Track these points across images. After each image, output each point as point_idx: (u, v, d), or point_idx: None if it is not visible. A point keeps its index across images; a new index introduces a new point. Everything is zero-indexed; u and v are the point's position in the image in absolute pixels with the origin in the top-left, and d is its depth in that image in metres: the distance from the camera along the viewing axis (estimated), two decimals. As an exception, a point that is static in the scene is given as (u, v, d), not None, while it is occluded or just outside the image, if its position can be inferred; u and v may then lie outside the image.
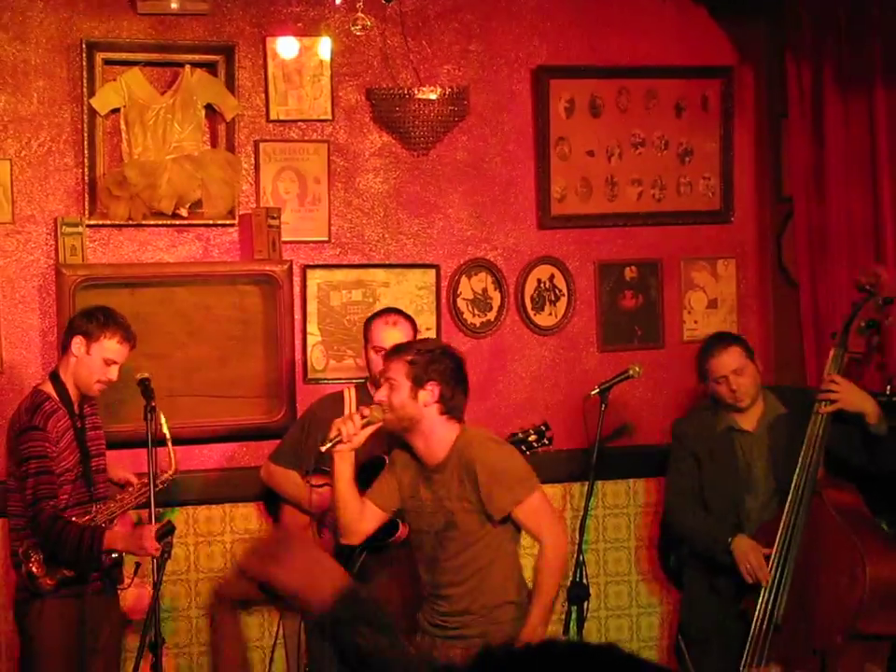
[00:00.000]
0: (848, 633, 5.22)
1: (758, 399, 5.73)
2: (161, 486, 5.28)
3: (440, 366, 4.82)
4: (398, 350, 4.92)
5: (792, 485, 5.39)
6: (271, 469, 5.81)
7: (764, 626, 5.37)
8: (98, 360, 5.27)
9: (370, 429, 4.80)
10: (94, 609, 5.28)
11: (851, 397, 5.43)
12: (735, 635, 5.48)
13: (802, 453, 5.40)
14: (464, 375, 4.91)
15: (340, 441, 4.77)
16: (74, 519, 5.20)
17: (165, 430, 5.24)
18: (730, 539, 5.50)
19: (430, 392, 4.78)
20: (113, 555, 5.22)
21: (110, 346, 5.27)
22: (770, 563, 5.40)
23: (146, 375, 5.30)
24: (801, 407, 5.62)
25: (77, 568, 5.21)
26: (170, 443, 5.29)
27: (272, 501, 5.98)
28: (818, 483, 5.41)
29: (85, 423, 5.38)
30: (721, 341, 5.85)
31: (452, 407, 4.82)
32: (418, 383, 4.78)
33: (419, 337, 5.71)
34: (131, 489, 5.40)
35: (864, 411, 5.42)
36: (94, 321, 5.28)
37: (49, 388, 5.30)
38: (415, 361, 4.79)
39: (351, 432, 4.77)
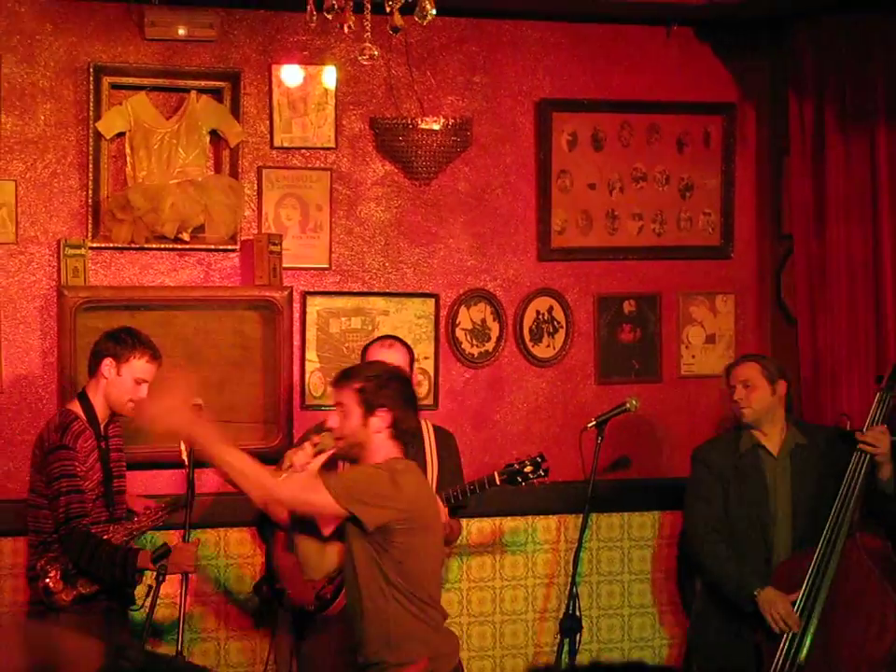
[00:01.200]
0: None
1: (774, 422, 5.68)
2: (177, 505, 5.41)
3: (389, 391, 4.67)
4: (346, 376, 4.74)
5: (827, 525, 5.36)
6: None
7: (786, 667, 5.35)
8: (129, 381, 5.34)
9: (322, 457, 4.73)
10: (105, 627, 5.31)
11: (882, 449, 5.43)
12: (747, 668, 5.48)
13: (840, 493, 5.38)
14: (414, 397, 4.78)
15: (293, 469, 4.73)
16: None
17: (186, 461, 5.32)
18: (756, 592, 5.45)
19: (381, 418, 4.66)
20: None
21: (140, 366, 5.35)
22: (797, 605, 5.36)
23: (199, 401, 5.33)
24: (819, 440, 5.65)
25: (109, 585, 5.28)
26: (190, 473, 5.34)
27: (266, 527, 5.98)
28: (853, 526, 5.38)
29: (109, 444, 5.45)
30: (745, 355, 5.92)
31: (403, 431, 4.74)
32: (369, 409, 4.66)
33: (415, 365, 5.70)
34: (148, 511, 5.44)
35: (883, 465, 5.43)
36: (122, 343, 5.35)
37: (77, 408, 5.36)
38: (364, 388, 4.65)
39: (303, 461, 4.72)
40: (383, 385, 4.69)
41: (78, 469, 5.23)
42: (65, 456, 5.23)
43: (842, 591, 5.33)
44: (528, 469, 5.52)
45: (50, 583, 5.23)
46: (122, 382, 5.33)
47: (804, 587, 5.35)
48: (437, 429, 5.72)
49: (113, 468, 5.44)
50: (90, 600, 5.28)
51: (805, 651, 5.32)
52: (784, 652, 5.36)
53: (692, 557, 6.04)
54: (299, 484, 4.64)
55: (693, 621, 6.03)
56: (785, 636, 5.35)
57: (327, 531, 4.65)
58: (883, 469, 5.44)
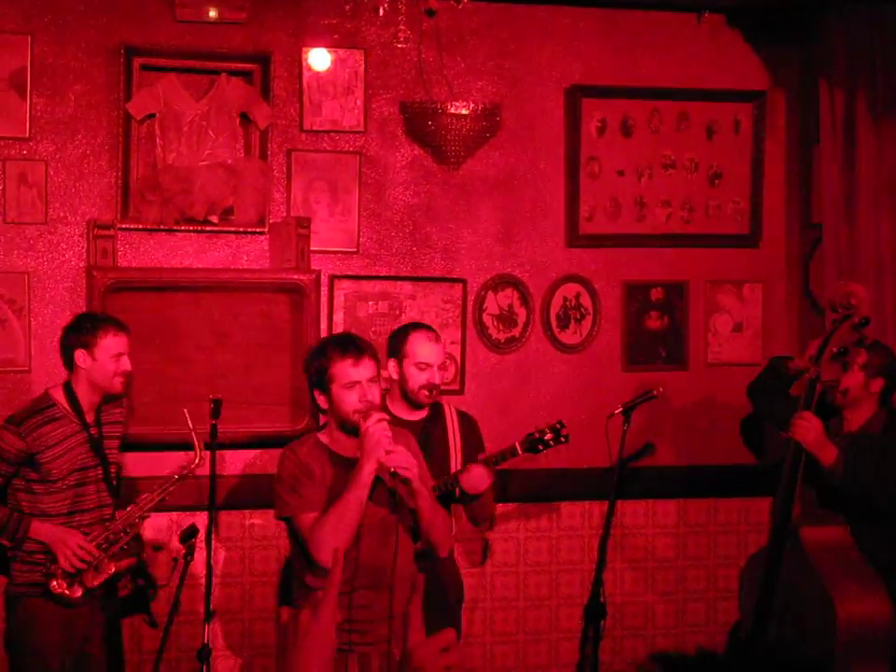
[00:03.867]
0: None
1: (858, 411, 5.57)
2: (184, 475, 5.52)
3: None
4: (371, 348, 4.77)
5: (771, 523, 5.31)
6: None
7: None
8: (107, 360, 5.41)
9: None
10: (84, 615, 5.41)
11: (809, 437, 5.28)
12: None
13: (776, 495, 5.29)
14: None
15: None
16: (74, 528, 5.37)
17: (190, 424, 5.44)
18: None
19: None
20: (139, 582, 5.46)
21: (110, 343, 5.41)
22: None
23: (219, 397, 5.47)
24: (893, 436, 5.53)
25: None
26: (194, 435, 5.46)
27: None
28: (793, 522, 5.27)
29: (102, 430, 5.49)
30: (874, 344, 5.58)
31: None
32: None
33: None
34: (147, 495, 5.48)
35: (818, 457, 5.30)
36: (84, 330, 5.42)
37: (59, 396, 5.43)
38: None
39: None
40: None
41: (9, 456, 5.31)
42: (5, 438, 5.33)
43: (796, 580, 5.23)
44: (549, 436, 5.49)
45: (55, 586, 5.33)
46: (101, 364, 5.40)
47: (761, 577, 5.27)
48: (460, 413, 5.72)
49: (108, 454, 5.51)
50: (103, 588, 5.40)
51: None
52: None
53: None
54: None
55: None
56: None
57: None
58: (820, 458, 5.27)
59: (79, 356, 5.40)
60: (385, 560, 4.64)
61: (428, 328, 5.63)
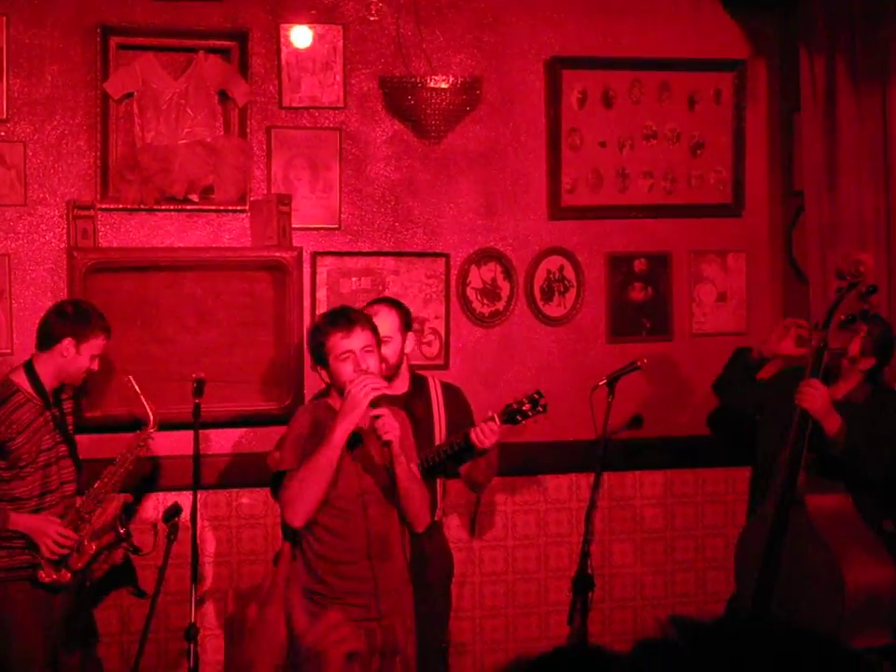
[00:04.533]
0: None
1: (847, 379, 5.55)
2: (142, 444, 5.57)
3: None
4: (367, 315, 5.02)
5: (774, 491, 5.28)
6: (275, 456, 5.81)
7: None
8: (87, 358, 5.44)
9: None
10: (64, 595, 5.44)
11: (817, 404, 5.24)
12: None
13: (786, 455, 5.27)
14: None
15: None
16: (45, 508, 5.39)
17: (137, 389, 5.49)
18: None
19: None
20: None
21: (98, 344, 5.45)
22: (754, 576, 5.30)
23: (201, 376, 5.52)
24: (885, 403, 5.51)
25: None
26: (144, 400, 5.50)
27: (277, 489, 5.99)
28: (798, 490, 5.26)
29: (63, 407, 5.51)
30: (872, 315, 5.47)
31: None
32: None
33: (413, 324, 5.75)
34: (111, 468, 5.50)
35: (823, 424, 5.27)
36: (83, 322, 5.42)
37: (21, 379, 5.42)
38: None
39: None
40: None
41: None
42: None
43: (800, 550, 5.22)
44: (527, 406, 5.46)
45: (44, 576, 5.35)
46: (80, 359, 5.42)
47: (762, 548, 5.26)
48: (444, 385, 5.70)
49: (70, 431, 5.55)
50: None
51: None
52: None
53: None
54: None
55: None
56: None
57: None
58: (825, 426, 5.24)
59: (66, 343, 5.38)
60: (390, 529, 4.72)
61: (379, 302, 5.58)
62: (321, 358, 4.83)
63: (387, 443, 4.66)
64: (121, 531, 5.45)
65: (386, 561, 4.81)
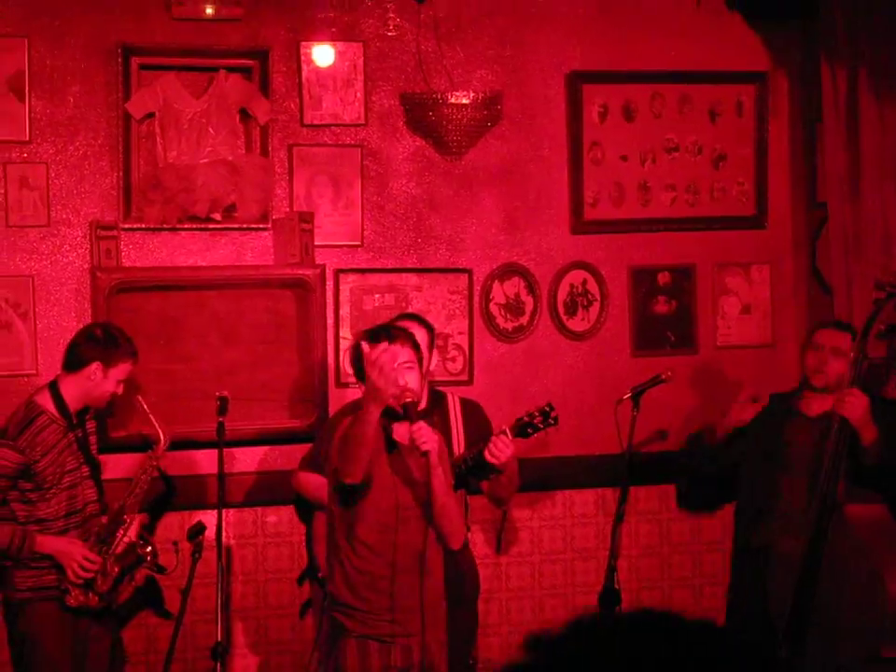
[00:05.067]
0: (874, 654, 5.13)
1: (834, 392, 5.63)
2: (155, 463, 5.53)
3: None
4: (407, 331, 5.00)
5: (814, 500, 5.32)
6: (298, 475, 5.81)
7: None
8: (113, 381, 5.44)
9: None
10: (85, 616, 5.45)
11: (857, 413, 5.31)
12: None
13: (825, 465, 5.31)
14: None
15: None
16: (71, 529, 5.39)
17: (146, 408, 5.49)
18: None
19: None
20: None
21: (125, 369, 5.46)
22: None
23: (225, 394, 5.56)
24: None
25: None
26: (153, 419, 5.49)
27: (303, 508, 5.99)
28: (837, 498, 5.31)
29: (86, 429, 5.52)
30: (841, 323, 5.84)
31: None
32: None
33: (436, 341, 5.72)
34: (127, 487, 5.51)
35: (861, 434, 5.33)
36: (113, 348, 5.42)
37: (45, 400, 5.41)
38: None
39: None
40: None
41: (7, 471, 5.28)
42: (3, 455, 5.30)
43: (839, 559, 5.26)
44: (538, 419, 5.43)
45: (74, 601, 5.36)
46: (107, 384, 5.42)
47: (801, 558, 5.29)
48: (463, 401, 5.69)
49: (94, 452, 5.55)
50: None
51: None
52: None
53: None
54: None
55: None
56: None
57: None
58: (863, 436, 5.33)
59: (94, 367, 5.39)
60: (427, 545, 4.73)
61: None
62: (361, 374, 4.83)
63: (426, 453, 4.66)
64: (140, 552, 5.44)
65: (425, 577, 4.79)
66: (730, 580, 6.10)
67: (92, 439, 5.58)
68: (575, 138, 6.60)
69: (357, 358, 4.87)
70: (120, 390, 5.46)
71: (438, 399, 5.59)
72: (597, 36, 6.65)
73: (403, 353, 4.79)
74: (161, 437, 5.50)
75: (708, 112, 6.80)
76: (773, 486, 5.66)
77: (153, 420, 5.50)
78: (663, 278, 6.77)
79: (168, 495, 6.04)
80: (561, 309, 6.65)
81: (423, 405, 5.51)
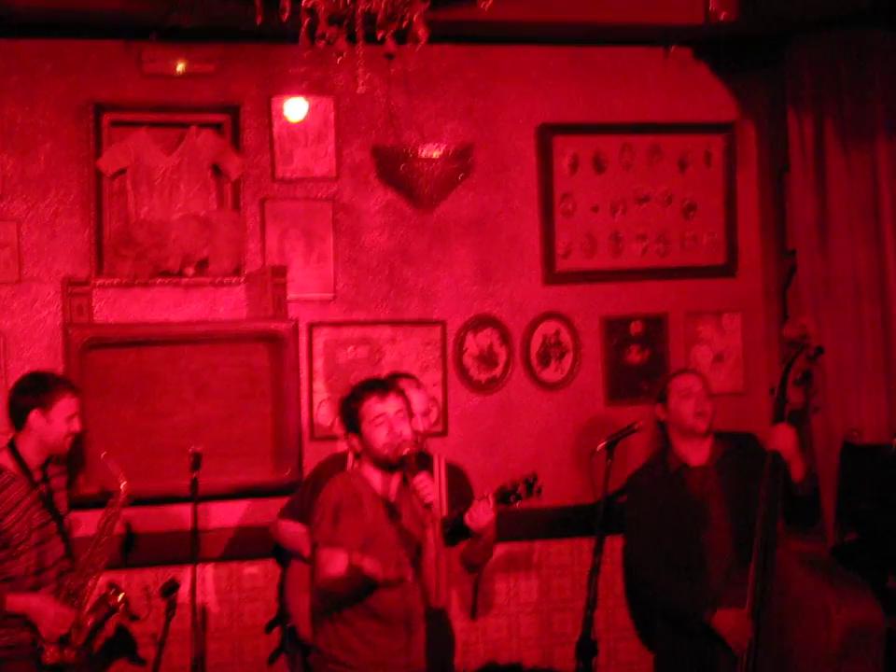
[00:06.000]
0: None
1: (708, 438, 5.85)
2: (115, 511, 5.45)
3: None
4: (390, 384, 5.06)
5: (755, 540, 5.37)
6: (279, 524, 5.80)
7: None
8: (61, 421, 5.38)
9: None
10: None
11: (789, 443, 5.45)
12: None
13: (762, 498, 5.40)
14: None
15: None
16: (42, 586, 5.32)
17: (103, 458, 5.46)
18: (707, 618, 5.50)
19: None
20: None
21: (66, 405, 5.40)
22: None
23: (199, 450, 5.53)
24: (743, 444, 5.81)
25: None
26: (112, 468, 5.44)
27: (280, 555, 5.97)
28: (779, 535, 5.42)
29: (51, 485, 5.45)
30: (687, 369, 6.19)
31: None
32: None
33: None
34: (91, 539, 5.45)
35: (792, 467, 5.45)
36: (42, 391, 5.39)
37: (5, 459, 5.39)
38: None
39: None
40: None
41: None
42: None
43: (785, 598, 5.35)
44: (521, 489, 5.47)
45: (50, 658, 5.30)
46: (54, 425, 5.38)
47: (748, 605, 5.35)
48: (449, 466, 5.71)
49: (59, 508, 5.47)
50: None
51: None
52: (746, 667, 5.37)
53: (639, 586, 6.17)
54: None
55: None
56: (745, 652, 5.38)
57: None
58: (794, 468, 5.46)
59: (34, 416, 5.36)
60: (417, 601, 4.82)
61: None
62: (354, 424, 4.84)
63: (429, 506, 4.68)
64: (112, 602, 5.40)
65: (414, 633, 4.80)
66: (659, 646, 6.05)
67: (61, 494, 5.53)
68: (546, 189, 6.64)
69: (346, 411, 4.87)
70: (76, 427, 5.41)
71: (424, 460, 5.59)
72: (567, 88, 6.71)
73: (397, 402, 4.83)
74: (121, 486, 5.46)
75: (678, 162, 6.85)
76: (698, 544, 5.70)
77: (112, 469, 5.45)
78: (635, 327, 6.80)
79: (128, 551, 6.00)
80: (534, 359, 6.66)
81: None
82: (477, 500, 5.36)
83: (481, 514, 5.29)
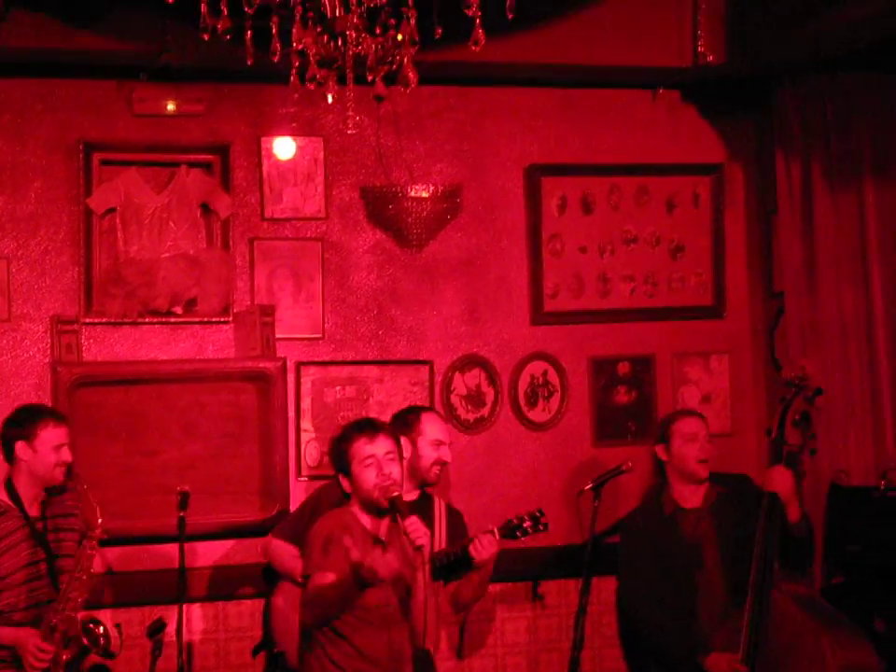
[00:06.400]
0: None
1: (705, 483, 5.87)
2: (94, 545, 5.38)
3: None
4: (385, 425, 5.08)
5: (750, 582, 5.37)
6: (271, 543, 5.77)
7: None
8: (48, 451, 5.34)
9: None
10: None
11: (787, 485, 5.47)
12: None
13: (759, 541, 5.41)
14: None
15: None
16: (30, 622, 5.28)
17: (85, 490, 5.40)
18: (701, 660, 5.50)
19: None
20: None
21: (51, 434, 5.36)
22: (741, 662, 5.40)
23: (186, 489, 5.48)
24: (737, 486, 5.82)
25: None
26: (91, 504, 5.38)
27: (268, 578, 5.94)
28: (774, 577, 5.41)
29: (47, 524, 5.41)
30: (690, 410, 6.17)
31: None
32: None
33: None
34: (67, 576, 5.40)
35: (789, 509, 5.49)
36: (25, 422, 5.37)
37: (1, 495, 5.37)
38: None
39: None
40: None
41: None
42: None
43: (780, 641, 5.34)
44: (527, 524, 5.52)
45: None
46: (42, 456, 5.34)
47: (742, 648, 5.35)
48: (449, 508, 5.74)
49: (54, 547, 5.40)
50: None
51: None
52: None
53: (633, 627, 6.13)
54: None
55: None
56: None
57: None
58: (790, 510, 5.49)
59: (20, 448, 5.35)
60: (405, 642, 4.83)
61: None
62: (343, 466, 4.85)
63: (420, 548, 4.68)
64: (88, 639, 5.37)
65: None
66: None
67: (67, 535, 5.46)
68: (534, 230, 6.66)
69: (336, 452, 4.89)
70: (66, 457, 5.36)
71: (426, 500, 5.61)
72: (556, 130, 6.74)
73: (386, 443, 4.83)
74: (98, 521, 5.43)
75: (666, 203, 6.88)
76: (691, 587, 5.71)
77: (90, 503, 5.39)
78: (622, 368, 6.81)
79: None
80: (522, 400, 6.67)
81: (413, 497, 5.53)
82: (482, 534, 5.38)
83: (485, 546, 5.34)
